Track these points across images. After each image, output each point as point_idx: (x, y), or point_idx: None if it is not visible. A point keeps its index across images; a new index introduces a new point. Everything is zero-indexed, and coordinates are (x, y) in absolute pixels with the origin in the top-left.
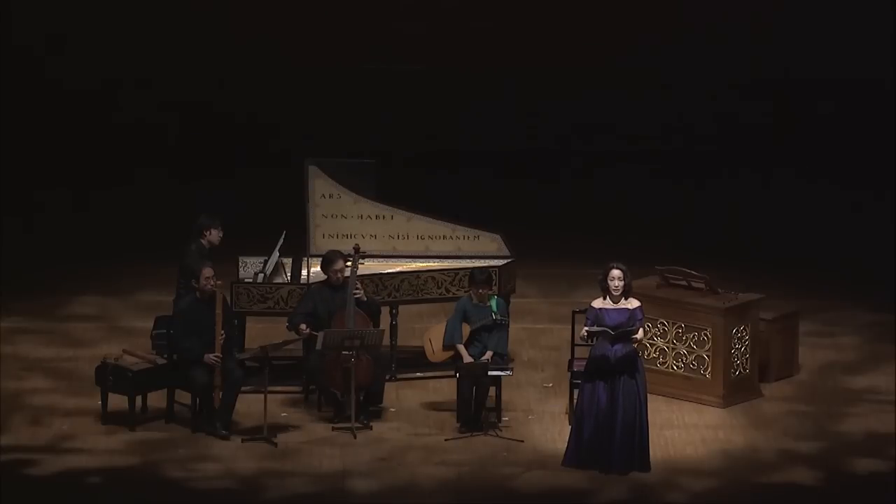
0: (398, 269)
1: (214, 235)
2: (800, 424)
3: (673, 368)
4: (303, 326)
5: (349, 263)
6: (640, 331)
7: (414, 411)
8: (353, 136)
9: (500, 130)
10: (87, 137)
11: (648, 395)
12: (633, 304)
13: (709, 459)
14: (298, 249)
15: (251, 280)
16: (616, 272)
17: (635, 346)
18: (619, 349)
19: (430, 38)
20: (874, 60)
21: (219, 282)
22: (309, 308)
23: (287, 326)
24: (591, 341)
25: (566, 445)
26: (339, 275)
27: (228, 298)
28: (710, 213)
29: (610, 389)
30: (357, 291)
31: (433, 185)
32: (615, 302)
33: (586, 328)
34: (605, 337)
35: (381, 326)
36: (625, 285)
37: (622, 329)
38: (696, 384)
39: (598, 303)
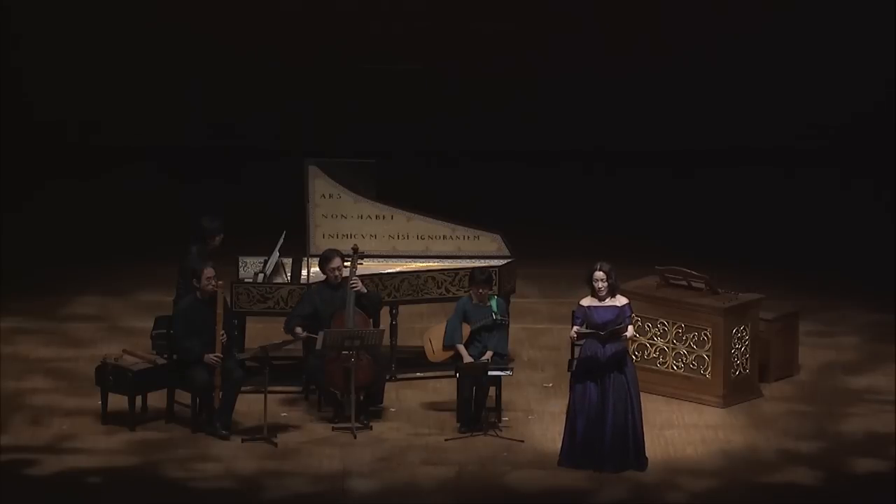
0: (398, 269)
1: (218, 241)
2: (800, 424)
3: (673, 368)
4: (299, 330)
5: (347, 262)
6: (630, 328)
7: (414, 411)
8: (353, 136)
9: (501, 130)
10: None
11: (650, 395)
12: (621, 301)
13: (709, 459)
14: (298, 249)
15: (251, 280)
16: (599, 273)
17: (625, 343)
18: (609, 348)
19: (432, 38)
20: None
21: (219, 282)
22: (307, 311)
23: (284, 329)
24: (580, 341)
25: (561, 445)
26: (337, 273)
27: (228, 298)
28: (711, 213)
29: (600, 387)
30: (355, 283)
31: (434, 184)
32: (601, 300)
33: (576, 327)
34: (596, 338)
35: (382, 326)
36: (609, 285)
37: (611, 328)
38: (696, 384)
39: (586, 301)
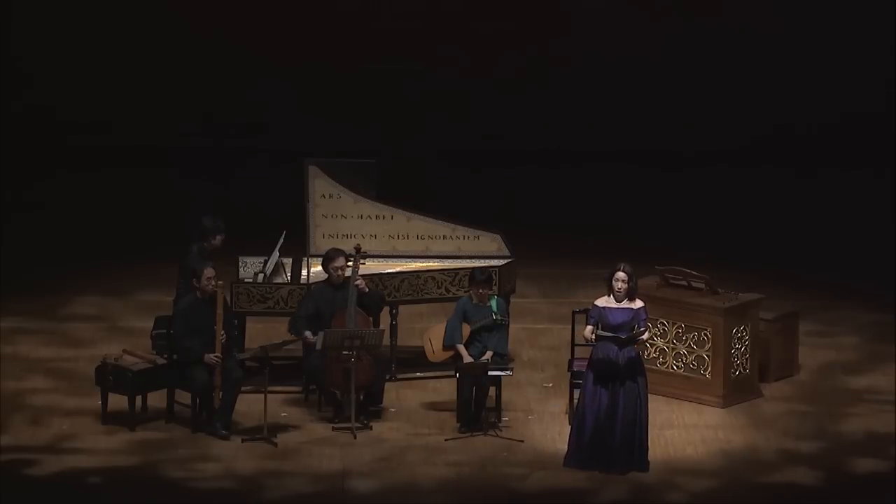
0: (398, 269)
1: (219, 240)
2: (800, 424)
3: (673, 368)
4: (308, 334)
5: (350, 262)
6: (647, 332)
7: (414, 411)
8: (353, 136)
9: (501, 130)
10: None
11: (650, 395)
12: (638, 304)
13: (709, 459)
14: (298, 249)
15: (251, 280)
16: (621, 274)
17: (637, 347)
18: (624, 352)
19: (432, 37)
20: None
21: (219, 282)
22: (310, 310)
23: (289, 330)
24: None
25: (567, 446)
26: (340, 272)
27: (228, 298)
28: (711, 212)
29: (611, 390)
30: (358, 281)
31: (434, 184)
32: (619, 301)
33: (590, 326)
34: (615, 341)
35: (382, 326)
36: (629, 288)
37: (630, 335)
38: (696, 384)
39: (601, 301)
